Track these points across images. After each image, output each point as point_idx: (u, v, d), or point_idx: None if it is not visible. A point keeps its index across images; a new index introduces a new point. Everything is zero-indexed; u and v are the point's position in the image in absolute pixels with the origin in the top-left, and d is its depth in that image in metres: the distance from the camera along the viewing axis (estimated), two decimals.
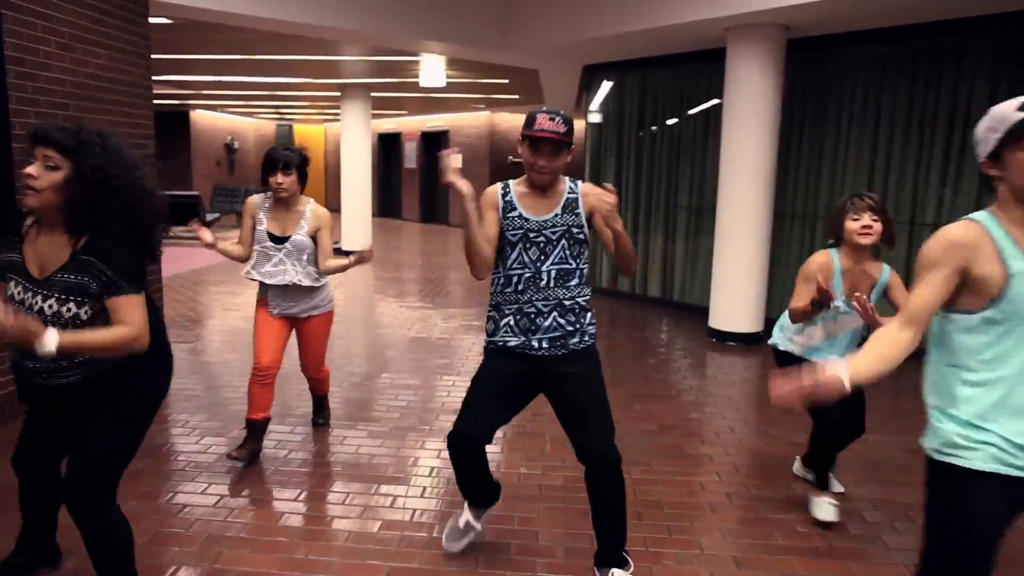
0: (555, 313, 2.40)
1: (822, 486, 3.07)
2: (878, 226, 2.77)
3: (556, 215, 2.40)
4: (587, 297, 2.48)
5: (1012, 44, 5.18)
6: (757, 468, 3.60)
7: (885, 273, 2.89)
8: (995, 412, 1.57)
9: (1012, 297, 1.54)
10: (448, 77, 9.35)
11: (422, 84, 9.11)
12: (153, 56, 5.22)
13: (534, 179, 2.39)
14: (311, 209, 3.38)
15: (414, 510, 3.04)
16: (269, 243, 3.31)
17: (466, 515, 2.69)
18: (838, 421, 2.89)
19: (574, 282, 2.43)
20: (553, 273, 2.39)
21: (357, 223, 11.19)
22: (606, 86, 8.05)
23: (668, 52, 7.06)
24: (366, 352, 5.61)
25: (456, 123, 16.34)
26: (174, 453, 3.56)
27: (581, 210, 2.42)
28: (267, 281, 3.34)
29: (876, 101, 5.93)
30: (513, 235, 2.41)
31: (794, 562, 2.72)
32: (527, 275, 2.39)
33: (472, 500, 2.68)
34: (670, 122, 7.47)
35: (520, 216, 2.41)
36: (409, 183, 17.88)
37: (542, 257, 2.39)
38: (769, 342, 3.21)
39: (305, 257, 3.36)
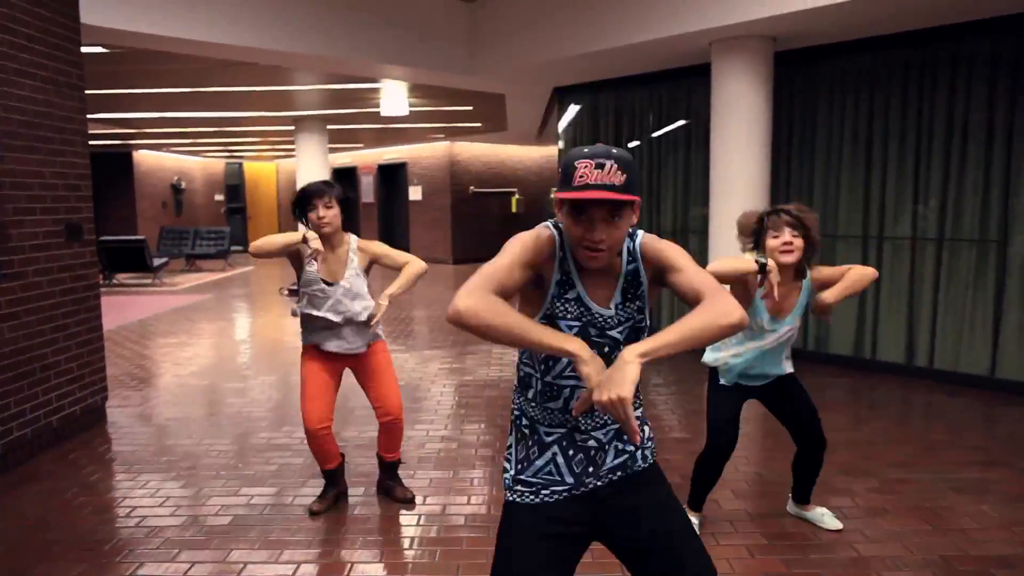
0: (616, 442, 1.64)
1: (694, 507, 3.04)
2: (799, 242, 2.61)
3: (618, 305, 1.60)
4: (641, 404, 1.76)
5: (1007, 50, 4.99)
6: (805, 523, 3.17)
7: (807, 287, 2.78)
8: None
9: None
10: (410, 106, 8.93)
11: (384, 113, 8.67)
12: (90, 91, 4.66)
13: (585, 261, 1.52)
14: (355, 247, 3.11)
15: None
16: (324, 286, 3.05)
17: None
18: (727, 445, 2.87)
19: (639, 398, 1.71)
20: None
21: None
22: (577, 109, 7.72)
23: (645, 70, 6.77)
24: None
25: (414, 155, 15.91)
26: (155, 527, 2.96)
27: (644, 287, 1.62)
28: (332, 318, 3.05)
29: (868, 112, 5.70)
30: (569, 326, 1.57)
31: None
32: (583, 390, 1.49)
33: None
34: (648, 143, 7.16)
35: (579, 300, 1.58)
36: (366, 218, 17.32)
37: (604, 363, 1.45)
38: (702, 360, 2.97)
39: (363, 293, 3.12)
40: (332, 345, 3.12)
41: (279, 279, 12.97)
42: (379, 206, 17.02)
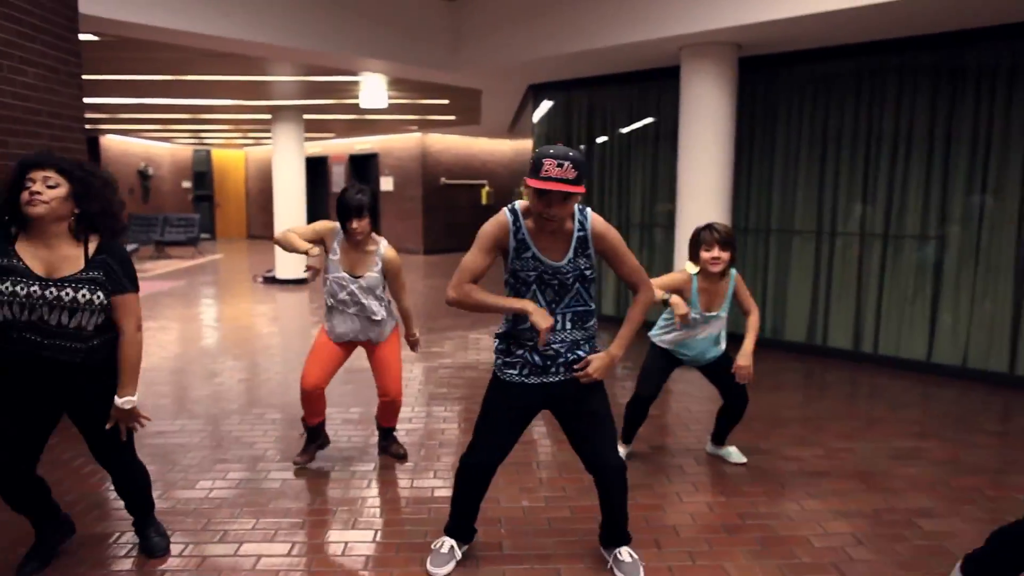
0: (569, 349, 2.48)
1: (625, 440, 3.78)
2: (726, 256, 3.31)
3: (570, 260, 2.38)
4: (595, 326, 2.56)
5: (949, 63, 5.45)
6: (758, 483, 3.55)
7: (732, 283, 3.46)
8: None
9: None
10: (388, 98, 9.13)
11: (363, 105, 8.85)
12: None
13: (542, 227, 2.34)
14: (382, 254, 3.41)
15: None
16: (344, 275, 3.37)
17: (450, 541, 2.69)
18: (648, 394, 3.63)
19: (591, 322, 2.51)
20: (569, 315, 2.44)
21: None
22: (549, 105, 8.04)
23: (617, 71, 7.11)
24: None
25: (386, 145, 16.05)
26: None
27: (592, 251, 2.41)
28: (347, 311, 3.41)
29: (824, 117, 6.13)
30: (527, 276, 2.39)
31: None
32: None
33: (458, 533, 2.70)
34: (619, 140, 7.51)
35: (535, 258, 2.38)
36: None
37: (557, 299, 2.41)
38: (648, 333, 3.70)
39: (378, 291, 3.43)
40: (344, 328, 3.44)
41: (249, 267, 13.05)
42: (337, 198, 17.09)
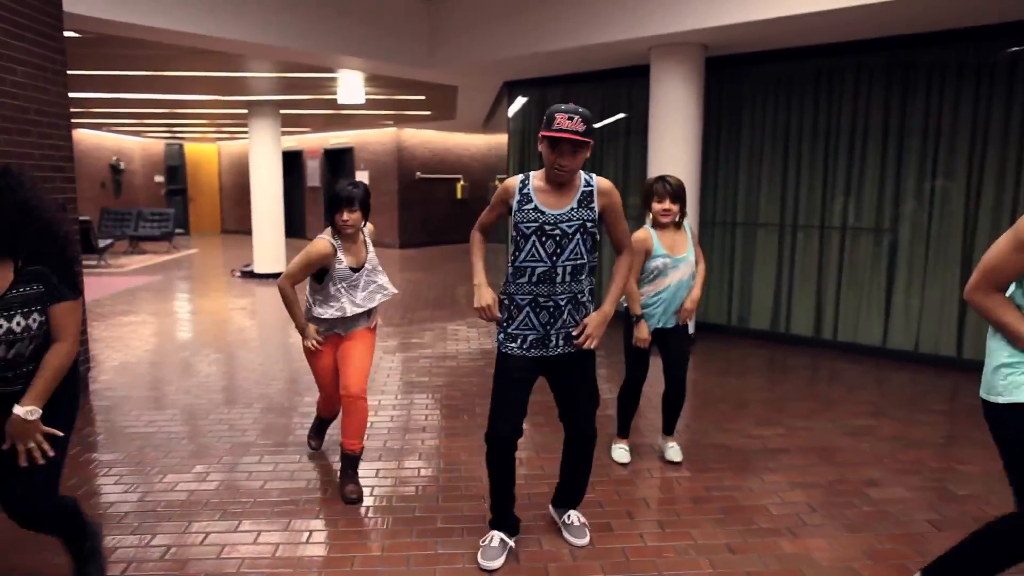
0: (570, 307, 2.60)
1: (623, 433, 3.83)
2: (675, 208, 3.45)
3: (572, 208, 2.52)
4: (592, 289, 2.69)
5: (901, 63, 5.77)
6: (722, 460, 3.82)
7: (688, 231, 3.58)
8: None
9: None
10: (365, 94, 9.26)
11: (340, 101, 8.97)
12: None
13: (553, 177, 2.50)
14: (367, 236, 3.46)
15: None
16: (352, 274, 3.33)
17: (499, 535, 2.76)
18: (642, 378, 3.70)
19: (584, 275, 2.60)
20: (568, 268, 2.54)
21: (270, 246, 10.81)
22: (524, 101, 8.24)
23: (590, 69, 7.34)
24: (284, 376, 5.46)
25: (361, 140, 16.12)
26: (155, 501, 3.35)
27: (596, 204, 2.55)
28: (368, 306, 3.37)
29: (786, 113, 6.43)
30: (527, 227, 2.52)
31: (781, 543, 2.92)
32: (541, 269, 2.53)
33: (504, 524, 2.79)
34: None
35: (536, 208, 2.52)
36: (313, 201, 17.44)
37: (558, 251, 2.52)
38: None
39: (379, 266, 3.47)
40: (328, 314, 3.32)
41: (224, 262, 13.07)
42: (324, 190, 17.14)
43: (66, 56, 4.76)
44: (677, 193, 3.47)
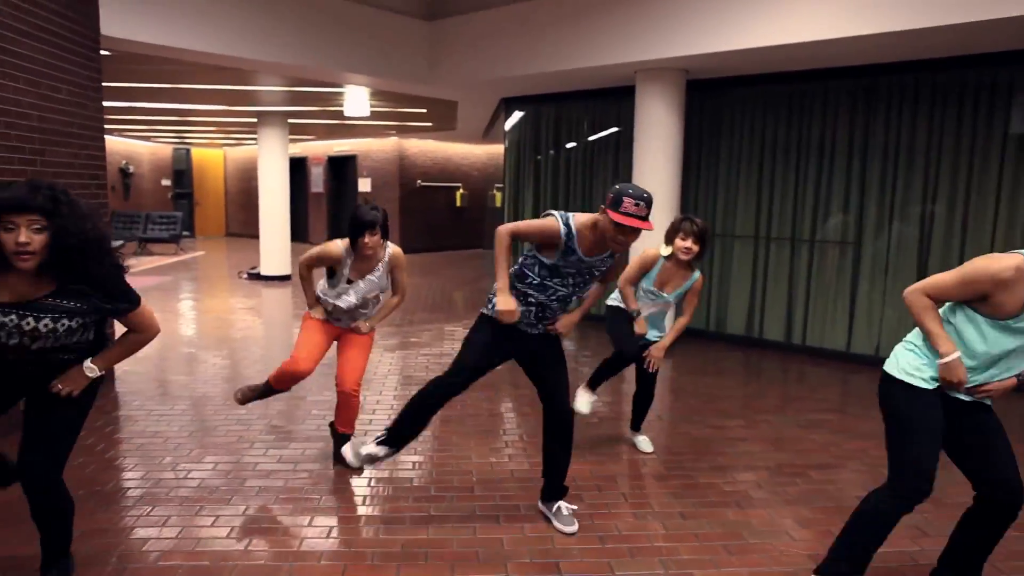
0: (561, 310, 3.13)
1: (592, 387, 4.20)
2: (696, 248, 3.66)
3: (602, 258, 2.96)
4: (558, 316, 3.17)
5: (864, 88, 6.27)
6: (687, 446, 4.28)
7: (693, 280, 3.81)
8: None
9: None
10: (371, 106, 9.76)
11: (347, 113, 9.47)
12: None
13: (615, 248, 2.83)
14: (386, 259, 3.66)
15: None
16: (348, 286, 3.64)
17: (377, 449, 3.10)
18: (632, 357, 3.99)
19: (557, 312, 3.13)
20: (576, 296, 3.12)
21: (276, 249, 11.28)
22: (520, 115, 8.75)
23: (581, 88, 7.84)
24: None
25: (364, 148, 16.63)
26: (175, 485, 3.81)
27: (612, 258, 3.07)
28: (340, 304, 3.64)
29: (761, 133, 6.93)
30: (568, 271, 2.94)
31: (727, 512, 3.39)
32: (562, 294, 3.01)
33: (397, 443, 3.11)
34: (583, 149, 8.25)
35: (580, 260, 2.91)
36: (316, 207, 17.94)
37: (582, 283, 3.03)
38: (606, 301, 4.11)
39: (372, 294, 3.69)
40: (335, 321, 3.76)
41: (230, 264, 13.54)
42: (328, 197, 17.64)
43: (101, 74, 5.24)
44: (702, 234, 3.66)
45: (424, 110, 10.47)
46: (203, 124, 13.77)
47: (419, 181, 16.40)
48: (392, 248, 3.70)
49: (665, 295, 3.85)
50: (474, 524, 3.21)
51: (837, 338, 6.61)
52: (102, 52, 6.05)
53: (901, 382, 2.47)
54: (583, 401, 4.17)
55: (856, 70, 6.22)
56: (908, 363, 2.48)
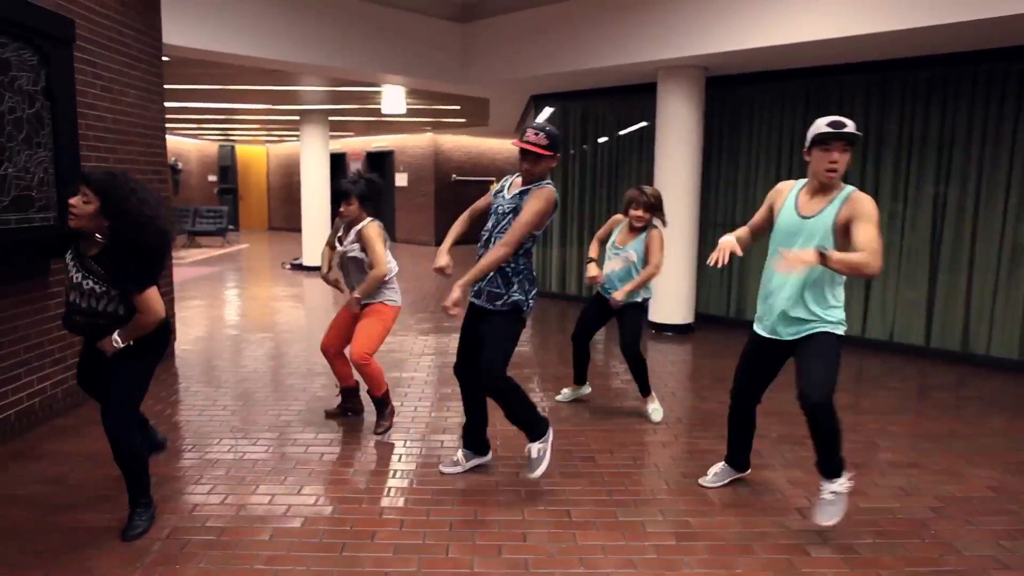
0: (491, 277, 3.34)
1: (645, 391, 4.63)
2: (647, 216, 4.35)
3: (515, 196, 3.32)
4: (514, 267, 3.30)
5: (877, 83, 6.49)
6: (695, 419, 4.63)
7: (643, 235, 4.40)
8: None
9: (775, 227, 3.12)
10: (407, 104, 10.22)
11: (384, 111, 9.95)
12: None
13: (523, 174, 3.30)
14: (359, 230, 4.11)
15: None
16: (339, 246, 4.23)
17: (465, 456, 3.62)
18: (577, 335, 4.70)
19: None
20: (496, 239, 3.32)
21: (318, 241, 11.84)
22: (550, 111, 9.11)
23: (606, 85, 8.17)
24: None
25: (400, 143, 17.15)
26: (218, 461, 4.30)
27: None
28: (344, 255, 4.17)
29: (779, 126, 7.18)
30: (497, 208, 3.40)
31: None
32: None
33: (542, 426, 3.43)
34: (609, 143, 8.58)
35: (497, 194, 3.45)
36: None
37: (494, 227, 3.37)
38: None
39: (355, 256, 4.15)
40: (347, 285, 4.30)
41: (273, 255, 14.17)
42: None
43: (163, 79, 5.77)
44: (651, 204, 4.34)
45: (458, 107, 10.89)
46: (248, 122, 14.42)
47: (454, 175, 16.86)
48: (367, 222, 4.06)
49: (623, 249, 4.46)
50: (499, 490, 3.62)
51: (853, 323, 6.84)
52: (163, 59, 6.62)
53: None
54: (654, 409, 4.63)
55: (869, 65, 6.44)
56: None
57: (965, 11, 4.85)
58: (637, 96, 8.05)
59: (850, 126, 2.86)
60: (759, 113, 7.32)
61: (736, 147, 7.50)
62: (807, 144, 2.98)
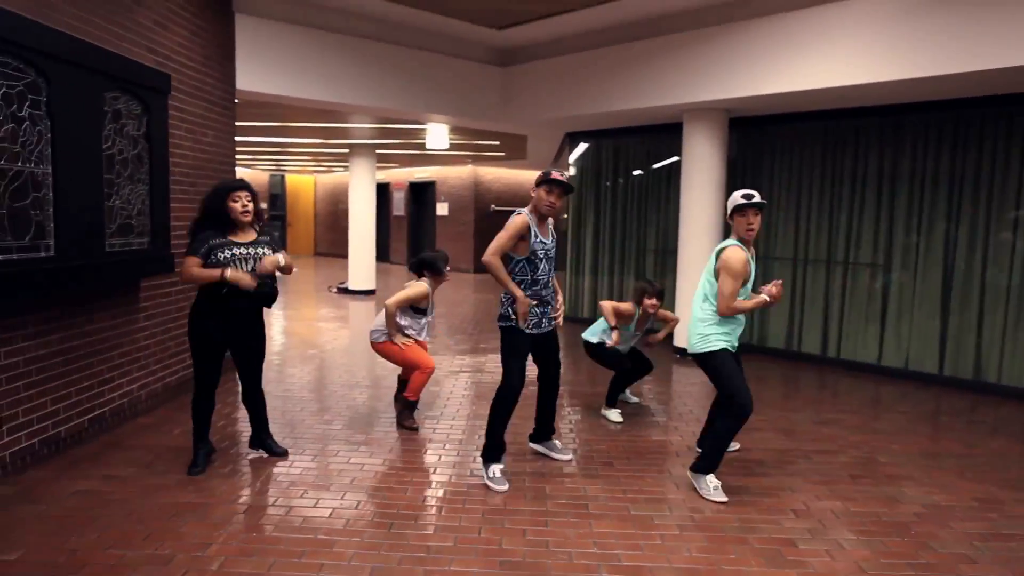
0: (547, 308, 4.11)
1: (611, 403, 5.40)
2: (659, 303, 5.25)
3: (553, 239, 4.04)
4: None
5: (891, 125, 6.90)
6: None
7: (654, 314, 5.32)
8: None
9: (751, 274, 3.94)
10: (450, 140, 10.90)
11: (428, 147, 10.63)
12: None
13: (547, 212, 3.88)
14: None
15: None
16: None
17: (499, 466, 4.03)
18: (630, 368, 5.40)
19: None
20: (551, 278, 4.11)
21: (363, 266, 12.53)
22: (584, 147, 9.68)
23: (636, 124, 8.70)
24: (371, 373, 6.96)
25: (442, 175, 17.89)
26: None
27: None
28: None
29: (798, 165, 7.60)
30: (546, 251, 3.97)
31: (730, 479, 4.13)
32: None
33: (500, 455, 4.02)
34: (639, 178, 9.09)
35: (540, 240, 3.92)
36: (397, 229, 19.31)
37: (549, 268, 4.02)
38: (582, 336, 5.50)
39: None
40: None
41: (320, 280, 14.91)
42: (409, 220, 18.99)
43: (235, 119, 6.47)
44: (661, 293, 5.27)
45: (497, 142, 11.53)
46: (299, 154, 15.31)
47: (493, 206, 17.50)
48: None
49: (639, 332, 5.44)
50: (524, 479, 4.10)
51: (869, 352, 7.16)
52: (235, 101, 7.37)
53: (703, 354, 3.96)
54: (614, 414, 5.34)
55: (884, 109, 6.85)
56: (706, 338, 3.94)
57: (972, 62, 5.22)
58: (665, 134, 8.55)
59: (757, 196, 3.78)
60: (780, 152, 7.76)
61: (758, 184, 7.92)
62: (730, 211, 3.83)
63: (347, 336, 8.53)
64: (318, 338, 8.32)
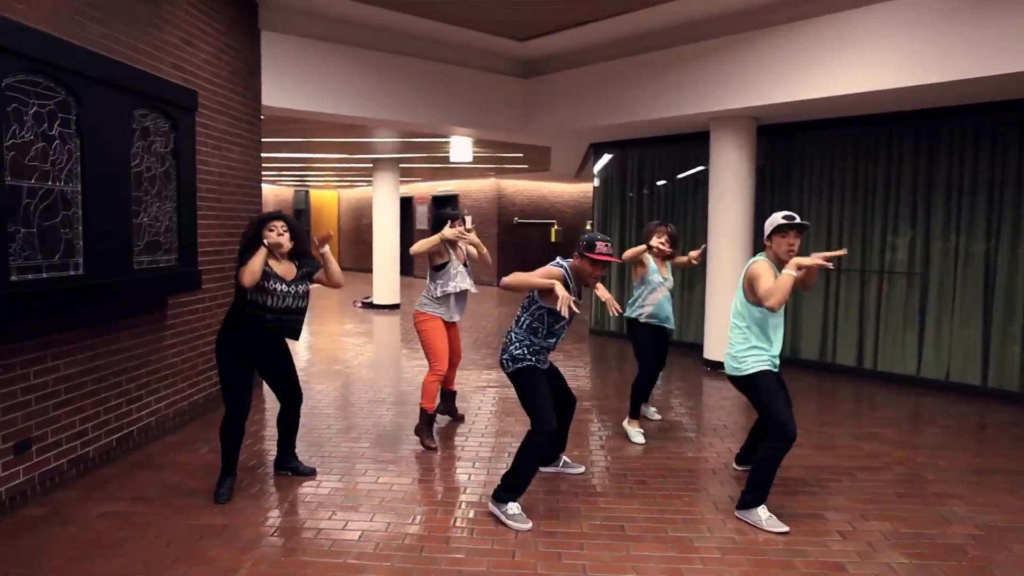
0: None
1: (635, 415, 5.12)
2: (668, 246, 5.15)
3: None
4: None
5: (926, 130, 6.72)
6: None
7: (669, 266, 5.28)
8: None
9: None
10: (473, 153, 10.86)
11: (452, 160, 10.60)
12: None
13: (589, 282, 3.71)
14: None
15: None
16: (463, 267, 5.13)
17: (517, 504, 3.75)
18: (655, 369, 5.11)
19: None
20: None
21: (387, 280, 12.52)
22: (608, 157, 9.58)
23: (661, 134, 8.60)
24: (395, 386, 6.88)
25: (465, 188, 17.89)
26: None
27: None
28: (464, 287, 5.03)
29: (829, 172, 7.44)
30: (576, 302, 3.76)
31: (771, 499, 3.99)
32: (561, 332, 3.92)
33: (522, 492, 3.76)
34: (665, 188, 8.96)
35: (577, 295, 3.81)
36: None
37: (568, 322, 3.82)
38: (625, 314, 5.13)
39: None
40: (452, 315, 5.05)
41: (344, 294, 14.94)
42: (431, 233, 18.94)
43: (261, 135, 6.48)
44: (673, 236, 5.17)
45: (520, 154, 11.48)
46: (323, 169, 15.39)
47: (516, 218, 17.45)
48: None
49: (668, 278, 5.20)
50: (567, 495, 3.98)
51: (908, 363, 6.95)
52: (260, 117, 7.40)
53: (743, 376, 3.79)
54: (636, 434, 5.08)
55: (917, 114, 6.68)
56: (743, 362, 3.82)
57: (1009, 64, 5.06)
58: (692, 143, 8.43)
59: (798, 219, 3.74)
60: (810, 159, 7.60)
61: (788, 192, 7.77)
62: (770, 232, 3.76)
63: (372, 351, 8.49)
64: (343, 353, 8.29)
